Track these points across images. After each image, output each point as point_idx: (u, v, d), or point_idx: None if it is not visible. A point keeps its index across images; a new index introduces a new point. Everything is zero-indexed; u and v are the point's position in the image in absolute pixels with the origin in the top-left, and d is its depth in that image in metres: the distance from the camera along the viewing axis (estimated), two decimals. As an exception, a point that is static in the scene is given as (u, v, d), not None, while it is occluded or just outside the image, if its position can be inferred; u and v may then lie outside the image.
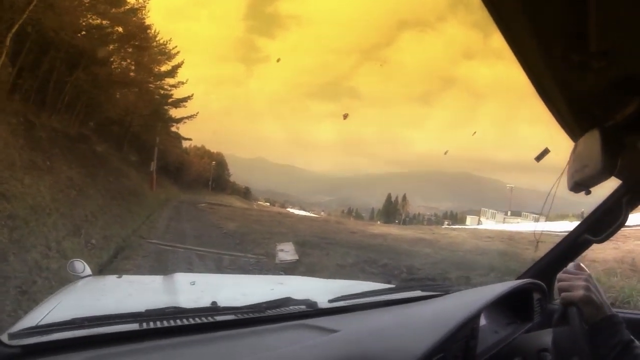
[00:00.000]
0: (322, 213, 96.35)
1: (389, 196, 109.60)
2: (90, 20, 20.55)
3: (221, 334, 1.27)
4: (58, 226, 8.13)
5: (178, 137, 36.08)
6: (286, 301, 1.51)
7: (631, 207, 1.67)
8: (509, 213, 68.43)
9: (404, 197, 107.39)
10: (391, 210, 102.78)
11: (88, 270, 2.02)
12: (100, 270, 7.15)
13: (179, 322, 1.26)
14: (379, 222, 70.41)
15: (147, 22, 23.07)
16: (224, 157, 79.17)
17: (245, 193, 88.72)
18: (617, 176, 1.52)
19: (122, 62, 23.76)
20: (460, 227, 30.55)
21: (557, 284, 1.24)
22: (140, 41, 22.73)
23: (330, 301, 1.62)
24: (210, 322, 1.31)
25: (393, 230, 22.41)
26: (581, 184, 1.23)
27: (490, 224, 57.02)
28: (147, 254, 9.29)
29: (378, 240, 15.01)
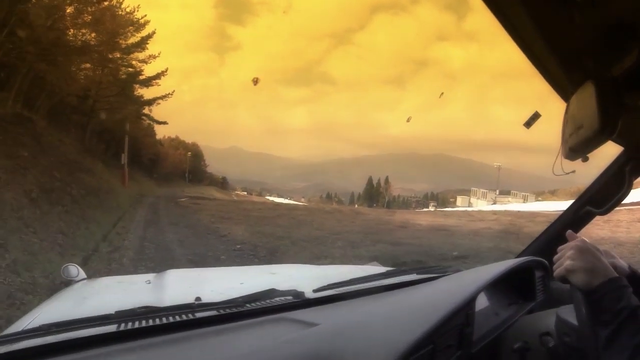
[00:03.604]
0: (302, 199, 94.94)
1: (370, 179, 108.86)
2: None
3: (197, 332, 1.13)
4: None
5: (151, 122, 30.01)
6: (270, 293, 1.36)
7: (635, 176, 1.57)
8: (497, 192, 67.96)
9: (387, 180, 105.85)
10: (373, 194, 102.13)
11: (82, 274, 1.95)
12: None
13: (151, 322, 1.14)
14: (356, 205, 69.50)
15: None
16: (200, 147, 77.35)
17: (222, 183, 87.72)
18: (618, 142, 1.50)
19: (77, 22, 17.80)
20: (490, 209, 27.96)
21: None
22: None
23: (315, 291, 1.45)
24: (187, 319, 1.18)
25: (430, 218, 19.00)
26: (577, 150, 1.07)
27: (482, 203, 56.64)
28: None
29: (457, 238, 11.46)
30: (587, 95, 0.95)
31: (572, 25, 0.82)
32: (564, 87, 1.11)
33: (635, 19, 0.80)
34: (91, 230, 9.33)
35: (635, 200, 16.62)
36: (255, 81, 41.86)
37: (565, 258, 1.02)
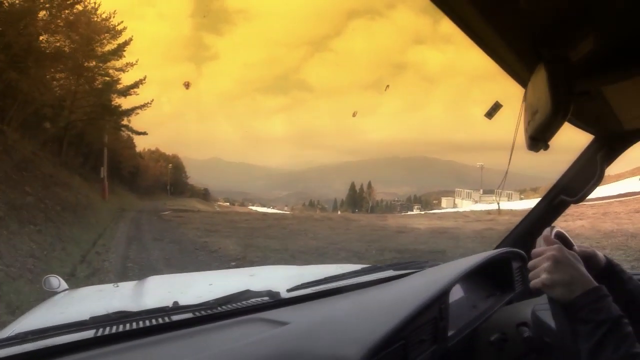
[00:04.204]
0: (285, 208, 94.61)
1: (353, 185, 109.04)
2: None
3: (171, 335, 1.12)
4: None
5: (130, 133, 28.66)
6: (244, 294, 1.37)
7: (607, 163, 1.59)
8: (481, 191, 68.15)
9: (369, 185, 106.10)
10: (357, 199, 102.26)
11: (64, 285, 1.94)
12: None
13: (128, 327, 1.13)
14: (339, 212, 69.34)
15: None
16: (180, 159, 76.89)
17: (204, 195, 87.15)
18: (588, 130, 1.53)
19: (50, 27, 16.85)
20: (482, 208, 27.66)
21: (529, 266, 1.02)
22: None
23: (289, 290, 1.46)
24: (162, 323, 1.17)
25: (425, 221, 18.66)
26: (536, 137, 1.01)
27: (467, 204, 56.63)
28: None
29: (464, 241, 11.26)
30: (540, 79, 0.92)
31: (520, 11, 0.78)
32: (523, 77, 1.06)
33: (590, 3, 0.76)
34: (68, 250, 8.39)
35: (622, 192, 16.66)
36: (187, 85, 45.02)
37: (541, 270, 0.94)
